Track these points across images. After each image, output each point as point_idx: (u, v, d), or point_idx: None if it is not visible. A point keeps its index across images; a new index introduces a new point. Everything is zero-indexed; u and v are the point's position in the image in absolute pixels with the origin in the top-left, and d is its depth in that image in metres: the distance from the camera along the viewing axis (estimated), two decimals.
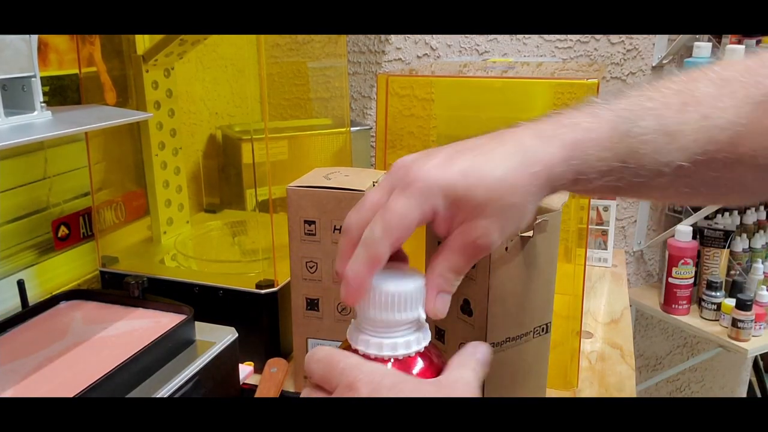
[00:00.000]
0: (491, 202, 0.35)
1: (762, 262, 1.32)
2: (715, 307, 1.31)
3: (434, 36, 1.30)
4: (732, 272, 1.33)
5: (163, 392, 0.53)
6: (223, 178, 1.09)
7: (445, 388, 0.35)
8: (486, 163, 0.36)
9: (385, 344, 0.37)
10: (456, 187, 0.35)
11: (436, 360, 0.39)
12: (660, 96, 0.38)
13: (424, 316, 0.38)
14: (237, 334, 0.63)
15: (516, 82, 0.76)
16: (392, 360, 0.37)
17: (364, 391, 0.34)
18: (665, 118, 0.37)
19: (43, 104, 0.54)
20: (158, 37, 0.81)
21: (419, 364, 0.37)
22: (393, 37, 1.32)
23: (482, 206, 0.35)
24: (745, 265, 1.33)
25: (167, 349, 0.57)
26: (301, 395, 0.38)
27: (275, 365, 0.72)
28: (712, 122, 0.37)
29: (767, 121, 0.37)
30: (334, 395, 0.36)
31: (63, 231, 0.80)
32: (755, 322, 1.26)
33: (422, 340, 0.38)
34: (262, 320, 0.74)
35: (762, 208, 1.39)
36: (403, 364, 0.37)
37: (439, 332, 0.55)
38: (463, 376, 0.37)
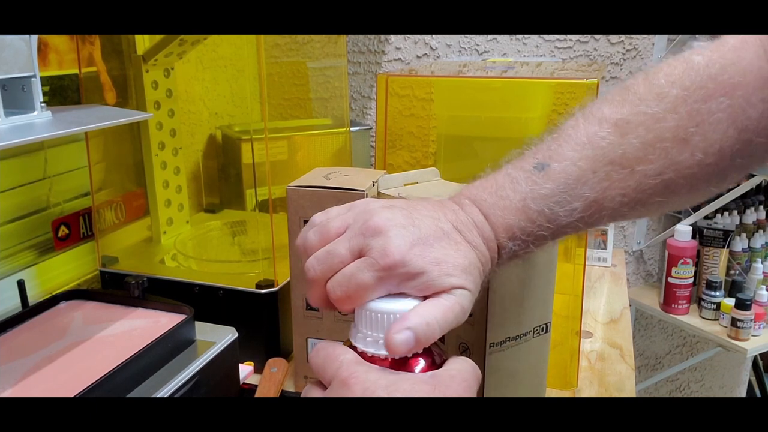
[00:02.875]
0: (464, 282, 0.38)
1: (761, 262, 1.32)
2: (714, 306, 1.31)
3: (434, 36, 1.30)
4: (731, 272, 1.33)
5: (163, 392, 0.53)
6: (222, 178, 1.09)
7: (441, 386, 0.35)
8: (456, 253, 0.38)
9: (382, 343, 0.37)
10: (431, 274, 0.37)
11: (437, 359, 0.38)
12: (587, 161, 0.40)
13: None
14: (237, 334, 0.63)
15: (516, 82, 0.76)
16: (391, 359, 0.37)
17: (358, 389, 0.34)
18: (589, 190, 0.40)
19: (43, 104, 0.54)
20: (158, 37, 0.81)
21: (420, 364, 0.37)
22: (393, 37, 1.32)
23: (457, 285, 0.38)
24: (745, 264, 1.33)
25: (167, 349, 0.57)
26: (303, 391, 0.39)
27: (275, 365, 0.72)
28: (640, 174, 0.39)
29: (698, 155, 0.39)
30: (328, 389, 0.36)
31: (63, 231, 0.80)
32: (754, 322, 1.26)
33: None
34: (262, 320, 0.74)
35: (762, 207, 1.39)
36: (401, 363, 0.37)
37: None
38: (460, 368, 0.37)
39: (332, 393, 0.35)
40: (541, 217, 0.40)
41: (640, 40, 1.26)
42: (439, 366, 0.38)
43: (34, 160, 0.76)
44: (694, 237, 1.31)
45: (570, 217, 0.40)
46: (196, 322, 0.62)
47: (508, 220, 0.40)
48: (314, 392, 0.37)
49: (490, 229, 0.40)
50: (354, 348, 0.38)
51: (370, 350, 0.37)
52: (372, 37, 1.32)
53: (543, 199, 0.40)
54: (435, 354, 0.39)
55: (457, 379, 0.36)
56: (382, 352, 0.37)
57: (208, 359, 0.59)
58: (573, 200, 0.40)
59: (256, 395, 0.67)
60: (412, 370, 0.37)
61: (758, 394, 1.66)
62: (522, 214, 0.40)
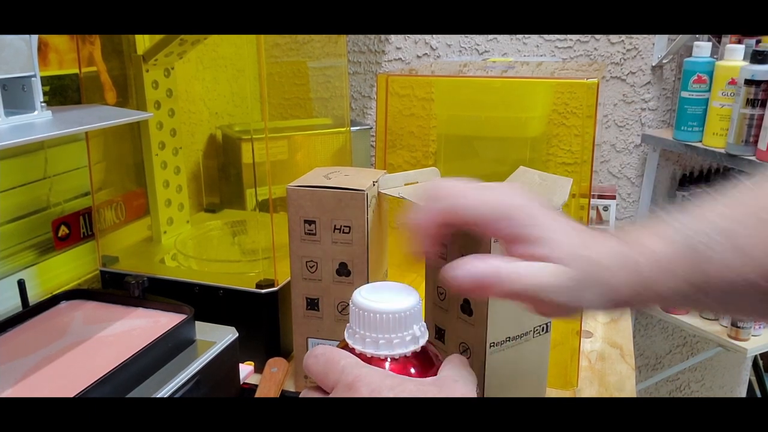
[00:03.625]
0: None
1: None
2: None
3: (434, 36, 1.30)
4: None
5: (163, 392, 0.53)
6: (223, 177, 1.09)
7: (445, 388, 0.35)
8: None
9: (381, 343, 0.37)
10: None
11: (434, 359, 0.39)
12: (732, 213, 0.36)
13: (416, 334, 0.38)
14: (237, 334, 0.63)
15: (516, 81, 0.76)
16: (389, 359, 0.37)
17: (365, 392, 0.34)
18: (738, 238, 0.35)
19: (43, 104, 0.54)
20: (158, 37, 0.81)
21: (417, 365, 0.37)
22: (393, 37, 1.32)
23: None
24: None
25: (167, 349, 0.57)
26: (301, 395, 0.38)
27: (275, 365, 0.72)
28: None
29: None
30: (332, 394, 0.36)
31: (63, 231, 0.80)
32: (755, 322, 1.26)
33: (420, 339, 0.38)
34: (262, 320, 0.74)
35: None
36: (400, 363, 0.37)
37: (439, 332, 0.55)
38: (459, 373, 0.37)
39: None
40: (693, 254, 0.35)
41: (640, 40, 1.26)
42: (437, 366, 0.38)
43: (34, 160, 0.76)
44: None
45: (716, 256, 0.35)
46: (196, 322, 0.62)
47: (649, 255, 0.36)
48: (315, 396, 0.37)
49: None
50: (352, 350, 0.38)
51: (370, 351, 0.37)
52: (372, 36, 1.32)
53: (689, 235, 0.35)
54: (431, 353, 0.39)
55: (460, 383, 0.36)
56: (382, 353, 0.37)
57: (209, 359, 0.59)
58: (720, 241, 0.35)
59: (257, 395, 0.67)
60: (407, 370, 0.37)
61: (758, 394, 1.66)
62: (665, 241, 0.36)
